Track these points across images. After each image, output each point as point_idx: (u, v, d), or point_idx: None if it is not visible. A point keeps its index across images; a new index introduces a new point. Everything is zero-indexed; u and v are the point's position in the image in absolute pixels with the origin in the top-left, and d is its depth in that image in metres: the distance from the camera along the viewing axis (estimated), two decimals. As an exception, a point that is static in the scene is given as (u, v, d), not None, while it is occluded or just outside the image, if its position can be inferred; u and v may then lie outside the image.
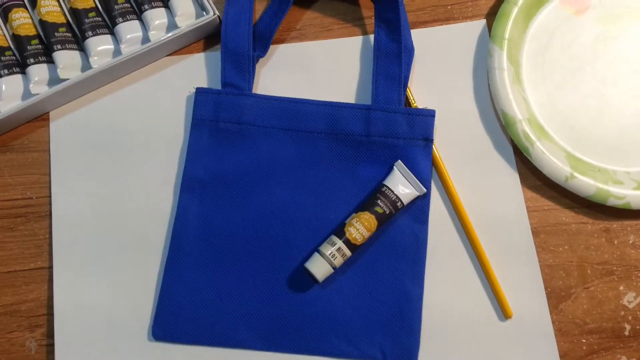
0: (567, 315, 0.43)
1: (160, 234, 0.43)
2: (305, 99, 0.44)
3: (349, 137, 0.44)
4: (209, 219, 0.42)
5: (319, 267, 0.40)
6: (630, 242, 0.45)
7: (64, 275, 0.42)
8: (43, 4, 0.45)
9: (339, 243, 0.40)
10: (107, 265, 0.43)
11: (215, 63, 0.47)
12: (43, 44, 0.45)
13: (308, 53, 0.48)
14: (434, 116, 0.44)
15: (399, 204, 0.41)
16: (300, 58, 0.47)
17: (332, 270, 0.40)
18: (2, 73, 0.43)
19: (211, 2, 0.46)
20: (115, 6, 0.45)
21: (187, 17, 0.46)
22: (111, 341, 0.41)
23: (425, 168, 0.43)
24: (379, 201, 0.41)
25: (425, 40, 0.48)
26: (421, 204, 0.43)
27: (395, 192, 0.41)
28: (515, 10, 0.46)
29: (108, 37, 0.45)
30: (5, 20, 0.45)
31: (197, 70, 0.47)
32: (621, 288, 0.44)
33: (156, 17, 0.45)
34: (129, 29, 0.45)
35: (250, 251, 0.42)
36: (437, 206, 0.45)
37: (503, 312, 0.42)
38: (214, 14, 0.46)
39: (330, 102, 0.44)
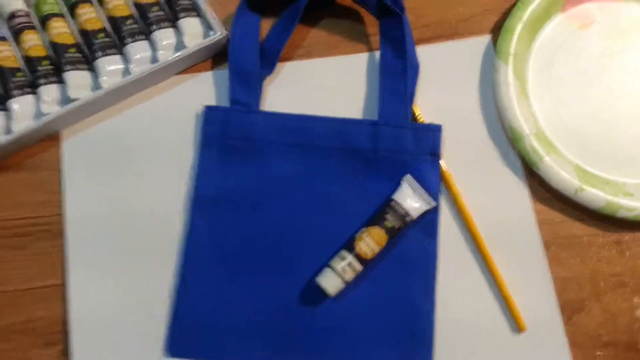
0: (581, 328, 0.43)
1: (172, 250, 0.43)
2: (312, 115, 0.45)
3: (357, 153, 0.44)
4: (220, 236, 0.42)
5: (330, 282, 0.40)
6: (642, 254, 0.44)
7: (79, 291, 0.42)
8: (53, 25, 0.45)
9: (350, 257, 0.40)
10: (120, 281, 0.43)
11: (223, 81, 0.47)
12: (54, 65, 0.45)
13: (314, 70, 0.48)
14: (441, 131, 0.44)
15: (408, 218, 0.41)
16: (306, 75, 0.48)
17: (344, 285, 0.40)
18: (14, 93, 0.43)
19: (218, 22, 0.46)
20: (124, 27, 0.46)
21: (194, 36, 0.46)
22: (127, 356, 0.41)
23: (433, 182, 0.43)
24: (388, 215, 0.41)
25: (431, 57, 0.48)
26: (430, 217, 0.43)
27: (404, 207, 0.41)
28: (520, 26, 0.47)
29: (117, 57, 0.46)
30: (17, 42, 0.46)
31: (206, 89, 0.47)
32: (635, 300, 0.43)
33: (164, 37, 0.46)
34: (138, 49, 0.45)
35: (262, 268, 0.42)
36: (447, 221, 0.44)
37: (517, 325, 0.42)
38: (221, 34, 0.46)
39: (338, 118, 0.45)
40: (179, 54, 0.45)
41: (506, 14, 0.49)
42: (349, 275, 0.40)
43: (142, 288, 0.43)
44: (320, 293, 0.41)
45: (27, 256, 0.44)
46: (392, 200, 0.42)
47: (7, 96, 0.44)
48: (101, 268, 0.43)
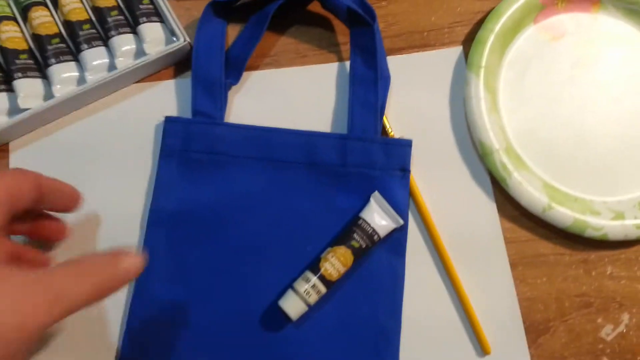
0: (546, 350, 0.42)
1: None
2: (279, 128, 0.43)
3: (325, 168, 0.43)
4: (178, 253, 0.41)
5: (292, 306, 0.38)
6: (608, 273, 0.44)
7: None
8: (4, 29, 0.43)
9: (314, 279, 0.39)
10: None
11: (185, 90, 0.46)
12: (2, 72, 0.43)
13: (282, 80, 0.46)
14: (411, 146, 0.43)
15: (375, 237, 0.40)
16: (274, 85, 0.46)
17: (307, 308, 0.39)
18: (-41, 104, 0.41)
19: (181, 28, 0.45)
20: (81, 32, 0.43)
21: (156, 43, 0.44)
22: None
23: (402, 199, 0.42)
24: (355, 235, 0.40)
25: (401, 67, 0.47)
26: (398, 236, 0.42)
27: (371, 225, 0.40)
28: (491, 38, 0.46)
29: (72, 64, 0.43)
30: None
31: (167, 98, 0.45)
32: (599, 320, 0.43)
33: (124, 43, 0.44)
34: (95, 56, 0.43)
35: (222, 287, 0.40)
36: (414, 237, 0.44)
37: (481, 348, 0.41)
38: (185, 40, 0.44)
39: (305, 131, 0.43)
40: (138, 61, 0.43)
41: (478, 25, 0.48)
42: (313, 298, 0.39)
43: (94, 307, 0.41)
44: (283, 315, 0.40)
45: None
46: (359, 218, 0.41)
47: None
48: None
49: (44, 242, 0.41)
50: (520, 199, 0.43)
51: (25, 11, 0.44)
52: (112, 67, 0.44)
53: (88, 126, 0.44)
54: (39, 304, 0.27)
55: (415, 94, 0.46)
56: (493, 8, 0.47)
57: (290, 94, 0.46)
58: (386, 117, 0.45)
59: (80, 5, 0.44)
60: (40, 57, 0.43)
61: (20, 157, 0.43)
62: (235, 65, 0.45)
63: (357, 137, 0.43)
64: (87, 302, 0.29)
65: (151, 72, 0.46)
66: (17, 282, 0.27)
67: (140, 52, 0.44)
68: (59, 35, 0.44)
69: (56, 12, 0.45)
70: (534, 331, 0.42)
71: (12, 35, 0.43)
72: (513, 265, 0.43)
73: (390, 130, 0.45)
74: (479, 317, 0.42)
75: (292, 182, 0.42)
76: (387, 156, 0.43)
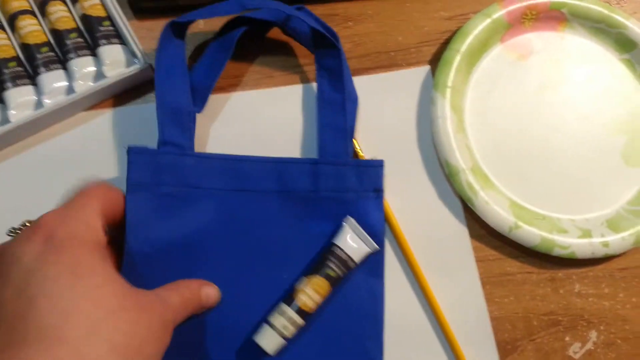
0: (514, 370, 0.42)
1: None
2: (249, 156, 0.41)
3: (298, 194, 0.41)
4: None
5: (269, 341, 0.37)
6: (576, 290, 0.44)
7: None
8: (-44, 52, 0.42)
9: (290, 312, 0.37)
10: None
11: (147, 114, 0.44)
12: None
13: (249, 103, 0.46)
14: (383, 166, 0.43)
15: (350, 263, 0.39)
16: (240, 108, 0.45)
17: (285, 342, 0.38)
18: None
19: (142, 50, 0.44)
20: (39, 55, 0.42)
21: (116, 65, 0.43)
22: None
23: (377, 221, 0.42)
24: (330, 263, 0.39)
25: (368, 88, 0.47)
26: (376, 258, 0.41)
27: (346, 252, 0.39)
28: (457, 58, 0.46)
29: (30, 87, 0.42)
30: None
31: (128, 123, 0.44)
32: (567, 339, 0.43)
33: (83, 65, 0.43)
34: (53, 79, 0.42)
35: (200, 323, 0.39)
36: (388, 256, 0.43)
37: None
38: (145, 63, 0.43)
39: (276, 158, 0.42)
40: (97, 84, 0.42)
41: (445, 45, 0.48)
42: (290, 331, 0.37)
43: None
44: (260, 351, 0.38)
45: None
46: (333, 245, 0.40)
47: None
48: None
49: None
50: (486, 218, 0.43)
51: (-20, 34, 0.43)
52: (70, 90, 0.43)
53: (43, 153, 0.43)
54: (160, 327, 0.30)
55: (383, 114, 0.46)
56: (459, 28, 0.47)
57: (256, 117, 0.45)
58: (355, 139, 0.45)
59: (38, 29, 0.43)
60: (-5, 81, 0.42)
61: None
62: (199, 93, 0.43)
63: (328, 162, 0.42)
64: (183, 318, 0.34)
65: (112, 95, 0.45)
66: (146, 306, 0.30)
67: (100, 75, 0.43)
68: (16, 58, 0.43)
69: (13, 35, 0.43)
70: (502, 351, 0.42)
71: (-34, 59, 0.42)
72: (482, 285, 0.43)
73: (360, 152, 0.44)
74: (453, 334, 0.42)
75: (266, 211, 0.41)
76: (360, 178, 0.42)
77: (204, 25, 0.47)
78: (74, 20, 0.44)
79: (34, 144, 0.43)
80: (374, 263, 0.41)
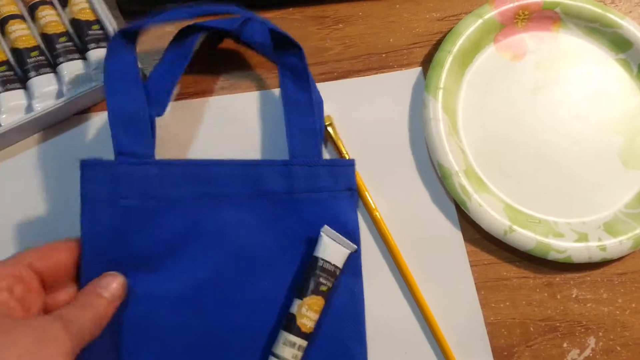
0: (510, 377, 0.41)
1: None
2: (218, 160, 0.40)
3: (272, 197, 0.41)
4: (120, 312, 0.36)
5: None
6: (574, 296, 0.43)
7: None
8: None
9: (295, 340, 0.36)
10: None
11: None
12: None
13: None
14: (354, 165, 0.42)
15: (337, 271, 0.39)
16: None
17: None
18: None
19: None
20: (29, 59, 0.42)
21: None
22: None
23: (352, 219, 0.41)
24: (320, 279, 0.38)
25: (360, 90, 0.46)
26: (352, 258, 0.41)
27: (332, 263, 0.38)
28: (449, 59, 0.45)
29: (20, 92, 0.42)
30: None
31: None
32: (565, 345, 0.42)
33: (71, 70, 0.43)
34: (43, 83, 0.42)
35: (180, 333, 0.38)
36: (378, 263, 0.43)
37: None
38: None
39: (248, 160, 0.41)
40: (85, 89, 0.42)
41: (437, 46, 0.48)
42: (299, 357, 0.37)
43: None
44: None
45: None
46: (318, 259, 0.38)
47: None
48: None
49: None
50: (480, 222, 0.42)
51: (-29, 39, 0.43)
52: (60, 94, 0.43)
53: (34, 157, 0.43)
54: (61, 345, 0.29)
55: (375, 117, 0.46)
56: (451, 29, 0.47)
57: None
58: (341, 140, 0.44)
59: (28, 32, 0.43)
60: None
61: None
62: (157, 95, 0.41)
63: (300, 162, 0.41)
64: (92, 335, 0.32)
65: (102, 99, 0.45)
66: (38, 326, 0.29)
67: (90, 79, 0.43)
68: (6, 62, 0.43)
69: (3, 39, 0.44)
70: (498, 357, 0.41)
71: (-44, 64, 0.42)
72: (476, 290, 0.42)
73: (346, 154, 0.44)
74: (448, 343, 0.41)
75: (239, 216, 0.40)
76: (333, 178, 0.41)
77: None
78: (64, 24, 0.44)
79: (24, 149, 0.43)
80: (352, 264, 0.41)
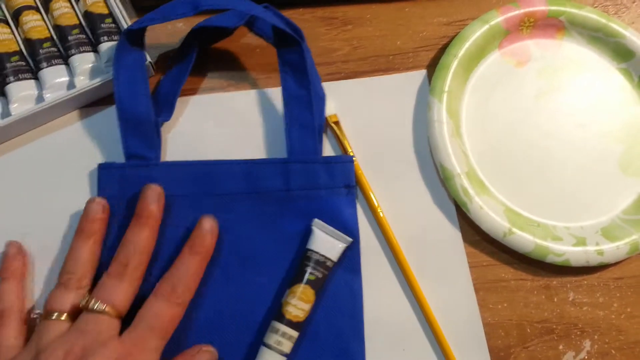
0: (506, 377, 0.42)
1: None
2: (218, 160, 0.42)
3: (270, 194, 0.42)
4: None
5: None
6: (570, 299, 0.44)
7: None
8: (-39, 46, 0.42)
9: (282, 327, 0.37)
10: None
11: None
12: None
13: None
14: (353, 162, 0.43)
15: (329, 263, 0.40)
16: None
17: (285, 359, 0.38)
18: None
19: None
20: (41, 50, 0.43)
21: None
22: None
23: (350, 216, 0.42)
24: (308, 269, 0.39)
25: (365, 90, 0.47)
26: (351, 253, 0.41)
27: (321, 254, 0.39)
28: (455, 63, 0.46)
29: (32, 82, 0.43)
30: None
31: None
32: (561, 347, 0.43)
33: (84, 61, 0.43)
34: (55, 74, 0.43)
35: (180, 333, 0.38)
36: (381, 261, 0.43)
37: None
38: (147, 60, 0.44)
39: (245, 160, 0.42)
40: (95, 80, 0.43)
41: (443, 50, 0.48)
42: (287, 346, 0.37)
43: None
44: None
45: None
46: (308, 250, 0.40)
47: None
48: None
49: None
50: (481, 224, 0.43)
51: (-16, 28, 0.43)
52: (71, 85, 0.43)
53: (43, 146, 0.44)
54: None
55: (379, 116, 0.46)
56: (457, 33, 0.48)
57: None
58: (347, 139, 0.45)
59: (42, 23, 0.44)
60: (-3, 74, 0.43)
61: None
62: (166, 103, 0.44)
63: (298, 160, 0.42)
64: None
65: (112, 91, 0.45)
66: None
67: (101, 71, 0.44)
68: (18, 52, 0.43)
69: (17, 30, 0.44)
70: (495, 357, 0.42)
71: (-30, 53, 0.42)
72: (474, 290, 0.43)
73: (351, 152, 0.45)
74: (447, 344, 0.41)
75: (239, 213, 0.41)
76: (331, 175, 0.42)
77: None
78: (77, 16, 0.45)
79: (34, 138, 0.44)
80: (351, 259, 0.41)
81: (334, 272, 0.41)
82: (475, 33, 0.47)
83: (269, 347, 0.37)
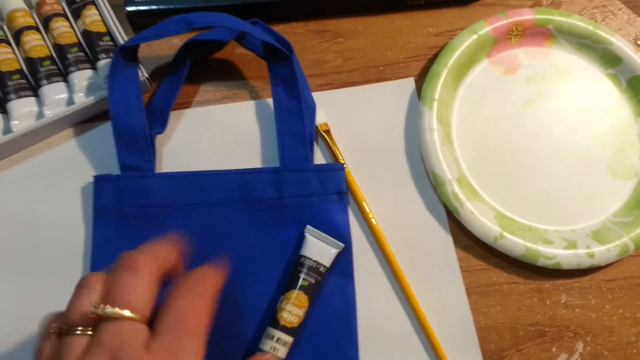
0: (500, 380, 0.42)
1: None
2: (211, 171, 0.43)
3: (262, 203, 0.43)
4: None
5: None
6: (562, 301, 0.44)
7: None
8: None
9: (277, 333, 0.38)
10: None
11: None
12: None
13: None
14: (344, 169, 0.44)
15: (321, 269, 0.40)
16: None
17: None
18: None
19: (140, 66, 0.45)
20: (41, 68, 0.44)
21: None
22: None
23: (342, 222, 0.43)
24: (301, 275, 0.40)
25: (356, 99, 0.48)
26: (344, 259, 0.42)
27: (314, 259, 0.40)
28: (444, 72, 0.47)
29: (32, 99, 0.44)
30: None
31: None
32: (554, 350, 0.43)
33: (83, 78, 0.45)
34: (54, 91, 0.44)
35: None
36: (373, 267, 0.44)
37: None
38: (143, 76, 0.45)
39: (238, 169, 0.44)
40: (91, 98, 0.44)
41: (433, 60, 0.49)
42: (282, 352, 0.38)
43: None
44: None
45: None
46: (300, 257, 0.41)
47: None
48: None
49: None
50: (472, 228, 0.44)
51: (-13, 48, 0.45)
52: (71, 102, 0.45)
53: (44, 162, 0.45)
54: None
55: (371, 125, 0.47)
56: (447, 43, 0.49)
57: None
58: (337, 147, 0.46)
59: (42, 42, 0.45)
60: (0, 92, 0.44)
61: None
62: (159, 115, 0.45)
63: (290, 169, 0.43)
64: None
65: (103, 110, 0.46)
66: None
67: (99, 88, 0.45)
68: (19, 71, 0.45)
69: (18, 49, 0.46)
70: (488, 361, 0.43)
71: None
72: (467, 294, 0.44)
73: (341, 160, 0.46)
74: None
75: (232, 222, 0.42)
76: (322, 183, 0.43)
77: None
78: (76, 35, 0.46)
79: (35, 153, 0.45)
80: (343, 265, 0.42)
81: (327, 278, 0.42)
82: (464, 43, 0.48)
83: (264, 353, 0.38)
